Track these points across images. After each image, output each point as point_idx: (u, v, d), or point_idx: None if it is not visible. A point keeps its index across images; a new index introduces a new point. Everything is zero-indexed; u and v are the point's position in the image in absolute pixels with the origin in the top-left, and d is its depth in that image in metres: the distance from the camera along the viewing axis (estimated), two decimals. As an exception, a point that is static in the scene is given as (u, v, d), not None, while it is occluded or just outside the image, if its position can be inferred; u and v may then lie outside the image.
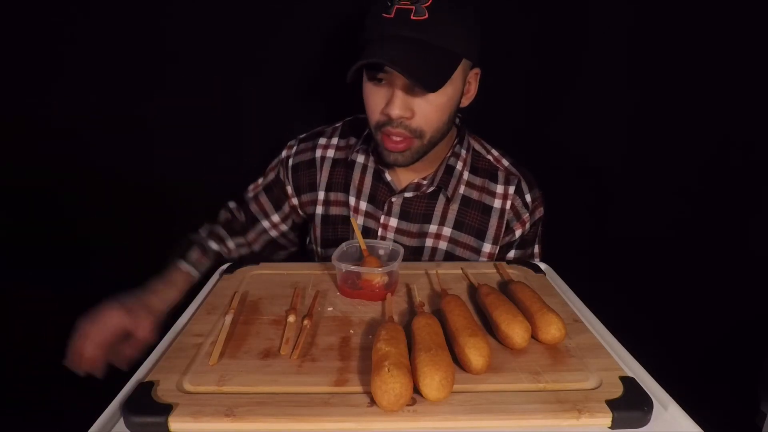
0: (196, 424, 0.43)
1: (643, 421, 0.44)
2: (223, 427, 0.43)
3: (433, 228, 0.84)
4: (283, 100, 1.03)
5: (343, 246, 0.72)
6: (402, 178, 0.85)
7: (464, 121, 0.88)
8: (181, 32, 0.97)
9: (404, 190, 0.84)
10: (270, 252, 0.95)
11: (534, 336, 0.54)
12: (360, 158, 0.87)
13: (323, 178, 0.88)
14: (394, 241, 0.85)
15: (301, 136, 0.92)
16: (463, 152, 0.85)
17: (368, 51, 0.67)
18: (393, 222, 0.85)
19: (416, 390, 0.44)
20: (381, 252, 0.75)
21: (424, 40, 0.67)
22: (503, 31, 0.90)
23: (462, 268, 0.73)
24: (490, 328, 0.57)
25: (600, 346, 0.54)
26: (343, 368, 0.50)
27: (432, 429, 0.43)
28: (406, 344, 0.49)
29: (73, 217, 1.07)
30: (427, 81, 0.66)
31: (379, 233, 0.85)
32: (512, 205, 0.84)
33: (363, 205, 0.86)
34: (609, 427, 0.44)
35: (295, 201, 0.90)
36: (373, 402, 0.44)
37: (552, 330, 0.53)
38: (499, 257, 0.85)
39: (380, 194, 0.85)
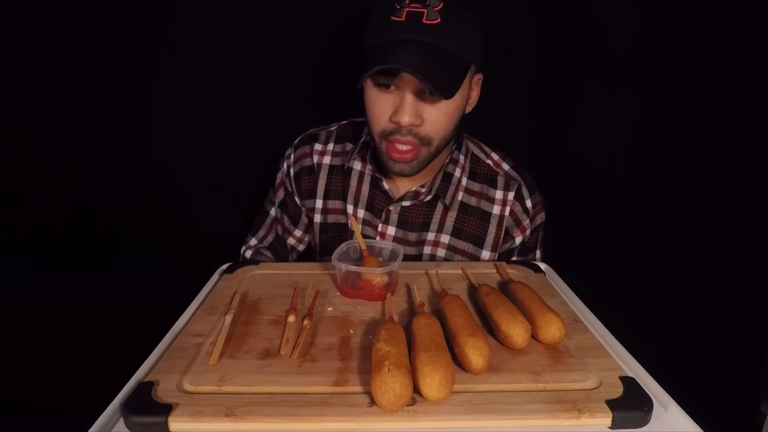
0: (196, 424, 0.43)
1: (643, 421, 0.44)
2: (223, 427, 0.43)
3: (431, 236, 0.83)
4: (284, 101, 1.03)
5: (343, 246, 0.72)
6: (400, 186, 0.84)
7: (462, 125, 0.88)
8: (183, 34, 0.97)
9: (402, 198, 0.82)
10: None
11: (534, 336, 0.54)
12: (357, 165, 0.85)
13: (321, 185, 0.87)
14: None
15: (294, 142, 0.90)
16: (462, 158, 0.84)
17: (381, 56, 0.64)
18: (391, 230, 0.84)
19: (416, 390, 0.44)
20: (381, 252, 0.74)
21: (437, 45, 0.65)
22: (505, 32, 0.90)
23: (462, 268, 0.73)
24: (490, 328, 0.57)
25: (600, 346, 0.54)
26: (343, 368, 0.50)
27: (432, 429, 0.43)
28: (406, 344, 0.49)
29: (74, 217, 1.08)
30: (444, 87, 0.65)
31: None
32: (512, 211, 0.83)
33: (361, 213, 0.85)
34: (609, 427, 0.44)
35: (304, 208, 0.90)
36: (373, 402, 0.44)
37: (552, 330, 0.53)
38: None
39: (378, 202, 0.84)
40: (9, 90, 0.98)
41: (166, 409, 0.43)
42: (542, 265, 0.78)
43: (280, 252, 0.93)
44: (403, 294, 0.67)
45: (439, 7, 0.65)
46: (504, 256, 0.86)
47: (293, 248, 0.94)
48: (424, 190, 0.82)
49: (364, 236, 0.84)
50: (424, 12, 0.65)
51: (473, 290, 0.66)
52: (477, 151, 0.86)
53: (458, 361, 0.49)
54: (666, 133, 1.06)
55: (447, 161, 0.82)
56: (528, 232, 0.85)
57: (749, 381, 1.15)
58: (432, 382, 0.43)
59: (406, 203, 0.83)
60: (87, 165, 1.04)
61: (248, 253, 0.91)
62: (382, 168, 0.80)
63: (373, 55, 0.66)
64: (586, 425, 0.43)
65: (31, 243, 1.08)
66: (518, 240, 0.84)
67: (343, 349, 0.54)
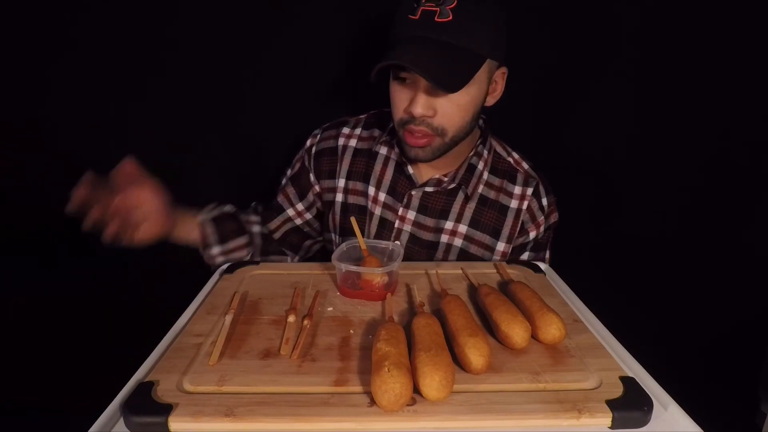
0: (196, 424, 0.43)
1: (643, 421, 0.44)
2: (223, 427, 0.43)
3: (449, 224, 0.85)
4: (289, 101, 1.03)
5: (343, 246, 0.72)
6: (423, 173, 0.86)
7: (487, 121, 0.89)
8: (186, 32, 0.97)
9: (425, 184, 0.85)
10: (297, 242, 0.95)
11: (534, 336, 0.54)
12: (383, 150, 0.88)
13: (344, 166, 0.89)
14: (411, 234, 0.86)
15: (325, 125, 0.93)
16: (485, 153, 0.86)
17: (392, 52, 0.69)
18: (411, 215, 0.86)
19: (416, 390, 0.44)
20: (381, 252, 0.74)
21: (447, 42, 0.68)
22: (510, 33, 0.90)
23: (462, 268, 0.73)
24: (490, 328, 0.57)
25: (600, 346, 0.54)
26: (343, 368, 0.50)
27: (432, 429, 0.43)
28: (406, 344, 0.49)
29: (74, 217, 1.07)
30: (445, 82, 0.67)
31: (396, 225, 0.86)
32: (528, 206, 0.86)
33: (382, 197, 0.87)
34: (609, 427, 0.44)
35: (317, 188, 0.91)
36: (373, 402, 0.44)
37: (552, 330, 0.53)
38: (512, 258, 0.86)
39: (400, 186, 0.86)
40: (9, 90, 0.98)
41: (166, 409, 0.43)
42: (542, 265, 0.78)
43: (268, 215, 0.95)
44: (403, 294, 0.67)
45: (453, 5, 0.68)
46: (517, 250, 0.88)
47: (290, 219, 0.94)
48: (447, 178, 0.85)
49: (384, 219, 0.86)
50: (437, 10, 0.68)
51: (473, 290, 0.66)
52: (499, 149, 0.90)
53: (458, 361, 0.49)
54: (666, 133, 1.06)
55: (471, 153, 0.85)
56: (542, 228, 0.87)
57: (749, 381, 1.15)
58: (432, 382, 0.43)
59: (428, 189, 0.85)
60: (87, 165, 1.03)
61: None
62: (401, 147, 0.83)
63: (387, 51, 0.70)
64: (586, 425, 0.43)
65: (31, 243, 1.08)
66: (532, 235, 0.87)
67: (343, 349, 0.54)
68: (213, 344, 0.53)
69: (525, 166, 0.89)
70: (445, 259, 0.86)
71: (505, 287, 0.65)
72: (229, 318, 0.58)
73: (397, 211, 0.86)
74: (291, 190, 0.93)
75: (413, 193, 0.85)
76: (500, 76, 0.79)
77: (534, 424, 0.43)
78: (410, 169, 0.84)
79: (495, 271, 0.75)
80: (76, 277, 1.10)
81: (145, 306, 1.01)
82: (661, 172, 1.08)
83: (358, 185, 0.88)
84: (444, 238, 0.85)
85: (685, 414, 0.47)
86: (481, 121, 0.87)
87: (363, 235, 0.84)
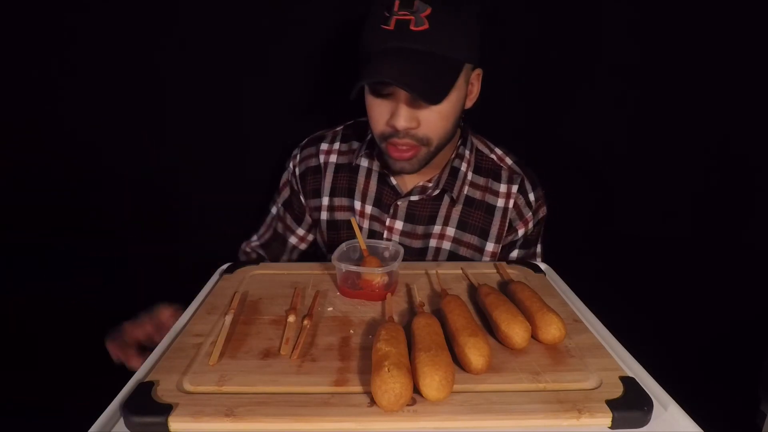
0: (196, 424, 0.43)
1: (643, 421, 0.44)
2: (223, 427, 0.43)
3: (437, 229, 0.84)
4: (289, 102, 1.02)
5: (343, 246, 0.72)
6: (407, 181, 0.85)
7: (466, 120, 0.88)
8: (186, 34, 0.97)
9: (410, 193, 0.84)
10: (299, 258, 0.97)
11: (534, 336, 0.54)
12: (364, 162, 0.87)
13: (327, 183, 0.88)
14: (400, 243, 0.85)
15: (302, 143, 0.92)
16: (467, 153, 0.86)
17: (370, 68, 0.67)
18: (398, 225, 0.85)
19: (416, 390, 0.44)
20: (382, 252, 0.74)
21: (425, 51, 0.66)
22: (504, 29, 0.90)
23: (462, 268, 0.73)
24: (490, 328, 0.57)
25: (600, 346, 0.54)
26: (343, 368, 0.50)
27: (432, 429, 0.43)
28: (406, 344, 0.49)
29: (74, 217, 1.07)
30: (431, 94, 0.66)
31: (385, 236, 0.85)
32: (515, 203, 0.85)
33: (368, 209, 0.86)
34: (609, 427, 0.44)
35: (307, 207, 0.91)
36: (373, 402, 0.44)
37: (552, 330, 0.53)
38: (502, 256, 0.86)
39: (386, 197, 0.85)
40: (9, 90, 0.98)
41: (166, 409, 0.43)
42: (542, 265, 0.78)
43: (275, 249, 0.95)
44: (403, 294, 0.67)
45: (427, 12, 0.66)
46: (507, 248, 0.87)
47: (295, 248, 0.95)
48: (431, 185, 0.84)
49: (372, 231, 0.86)
50: (411, 19, 0.66)
51: (473, 290, 0.66)
52: (481, 147, 0.89)
53: (458, 361, 0.49)
54: (666, 132, 1.06)
55: (453, 156, 0.84)
56: (531, 225, 0.86)
57: (749, 381, 1.15)
58: (432, 382, 0.43)
59: (414, 198, 0.84)
60: (87, 165, 1.04)
61: (243, 249, 0.97)
62: (383, 160, 0.82)
63: (364, 65, 0.69)
64: (586, 425, 0.43)
65: (31, 243, 1.08)
66: (521, 232, 0.86)
67: (343, 349, 0.54)
68: (213, 344, 0.53)
69: (508, 161, 0.87)
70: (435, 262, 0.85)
71: (505, 287, 0.65)
72: (229, 318, 0.58)
73: (385, 222, 0.85)
74: (288, 218, 0.93)
75: (399, 203, 0.84)
76: (476, 78, 0.78)
77: (534, 424, 0.43)
78: (393, 180, 0.84)
79: (495, 271, 0.75)
80: (76, 277, 1.10)
81: (145, 306, 1.00)
82: (662, 172, 1.08)
83: (344, 201, 0.87)
84: (432, 242, 0.85)
85: (685, 414, 0.47)
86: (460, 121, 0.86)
87: None
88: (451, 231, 0.84)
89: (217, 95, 1.01)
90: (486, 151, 0.88)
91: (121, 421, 0.44)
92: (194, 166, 1.04)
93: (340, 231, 0.88)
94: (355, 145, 0.88)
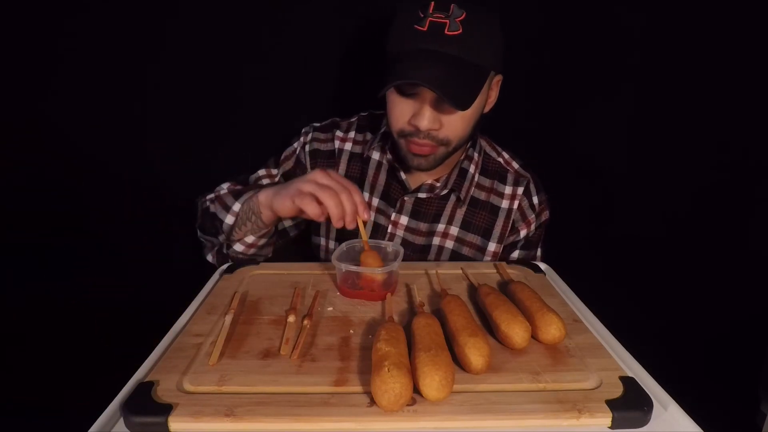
0: (196, 424, 0.43)
1: (643, 421, 0.44)
2: (223, 427, 0.43)
3: (440, 227, 0.85)
4: (288, 101, 1.03)
5: (343, 246, 0.72)
6: (416, 177, 0.86)
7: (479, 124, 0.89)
8: (183, 34, 0.97)
9: (417, 189, 0.84)
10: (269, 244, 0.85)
11: (534, 336, 0.54)
12: (375, 155, 0.87)
13: (341, 171, 0.88)
14: (403, 239, 0.86)
15: (315, 124, 0.91)
16: (476, 155, 0.87)
17: (401, 68, 0.67)
18: (404, 220, 0.85)
19: (416, 390, 0.44)
20: (382, 252, 0.74)
21: (457, 57, 0.67)
22: (506, 32, 0.90)
23: (462, 268, 0.73)
24: (490, 328, 0.57)
25: (600, 346, 0.54)
26: (343, 368, 0.50)
27: (432, 429, 0.43)
28: (406, 344, 0.49)
29: (74, 217, 1.07)
30: (460, 100, 0.67)
31: (389, 230, 0.86)
32: (519, 205, 0.86)
33: (375, 202, 0.86)
34: (609, 427, 0.44)
35: None
36: (373, 402, 0.44)
37: (552, 330, 0.53)
38: (503, 257, 0.86)
39: (393, 192, 0.86)
40: (9, 90, 0.98)
41: (166, 409, 0.43)
42: (542, 265, 0.78)
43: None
44: (403, 294, 0.67)
45: (462, 17, 0.66)
46: (508, 249, 0.88)
47: (285, 232, 0.90)
48: (439, 184, 0.84)
49: (377, 224, 0.87)
50: (446, 23, 0.66)
51: (473, 290, 0.66)
52: (489, 149, 0.90)
53: (458, 361, 0.49)
54: (666, 134, 1.06)
55: (462, 157, 0.85)
56: (533, 227, 0.87)
57: (749, 381, 1.15)
58: (432, 382, 0.43)
59: (421, 195, 0.85)
60: (87, 165, 1.04)
61: (213, 195, 0.84)
62: (400, 159, 0.82)
63: (395, 64, 0.69)
64: (586, 425, 0.43)
65: (31, 243, 1.08)
66: (522, 233, 0.87)
67: (343, 349, 0.54)
68: (213, 344, 0.53)
69: (515, 165, 0.88)
70: (437, 261, 0.86)
71: (505, 287, 0.65)
72: (229, 318, 0.58)
73: (390, 216, 0.86)
74: None
75: (406, 198, 0.85)
76: (496, 84, 0.79)
77: (534, 424, 0.43)
78: (402, 175, 0.84)
79: (495, 271, 0.75)
80: (76, 277, 1.10)
81: (145, 306, 1.00)
82: (662, 172, 1.08)
83: None
84: (435, 240, 0.85)
85: (685, 414, 0.47)
86: None
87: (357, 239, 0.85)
88: (454, 230, 0.85)
89: (216, 96, 1.01)
90: (493, 154, 0.89)
91: (121, 421, 0.44)
92: (194, 166, 1.04)
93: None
94: (369, 136, 0.88)
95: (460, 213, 0.85)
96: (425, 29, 0.67)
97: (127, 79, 0.99)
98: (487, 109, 0.80)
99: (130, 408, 0.44)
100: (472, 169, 0.85)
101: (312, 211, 0.63)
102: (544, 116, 1.06)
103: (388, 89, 0.69)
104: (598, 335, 0.57)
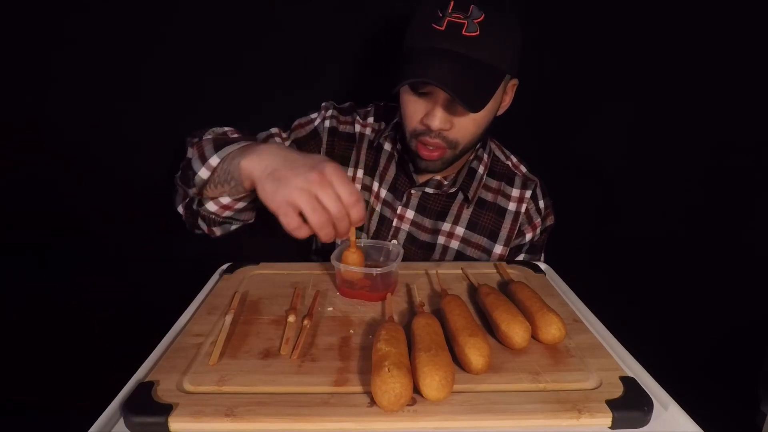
0: (196, 424, 0.43)
1: (643, 421, 0.44)
2: (223, 427, 0.43)
3: (446, 226, 0.85)
4: (287, 100, 1.03)
5: (343, 246, 0.72)
6: (425, 172, 0.86)
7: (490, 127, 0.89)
8: (183, 32, 0.97)
9: (425, 184, 0.84)
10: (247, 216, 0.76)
11: (534, 336, 0.54)
12: (387, 145, 0.87)
13: (362, 157, 0.87)
14: (408, 233, 0.86)
15: (335, 104, 0.89)
16: (485, 156, 0.87)
17: (416, 66, 0.67)
18: (410, 214, 0.85)
19: (416, 390, 0.44)
20: (383, 252, 0.74)
21: (473, 58, 0.67)
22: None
23: (462, 268, 0.73)
24: (490, 328, 0.57)
25: (600, 346, 0.54)
26: (343, 368, 0.50)
27: (432, 429, 0.43)
28: (406, 344, 0.49)
29: (74, 217, 1.07)
30: (472, 102, 0.66)
31: (395, 223, 0.86)
32: (526, 209, 0.86)
33: (383, 193, 0.87)
34: (609, 427, 0.44)
35: None
36: (373, 402, 0.44)
37: (552, 330, 0.53)
38: (508, 261, 0.86)
39: (401, 184, 0.86)
40: (9, 90, 0.98)
41: (166, 409, 0.43)
42: (542, 265, 0.78)
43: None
44: (403, 294, 0.67)
45: (481, 18, 0.66)
46: (513, 252, 0.88)
47: None
48: (446, 182, 0.84)
49: (383, 217, 0.86)
50: (464, 23, 0.66)
51: (473, 290, 0.66)
52: (498, 152, 0.90)
53: (458, 361, 0.49)
54: (666, 135, 1.06)
55: (472, 157, 0.85)
56: (538, 231, 0.87)
57: (749, 381, 1.15)
58: (432, 382, 0.43)
59: (429, 190, 0.85)
60: (87, 165, 1.04)
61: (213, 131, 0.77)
62: (409, 153, 0.82)
63: (410, 62, 0.68)
64: (586, 425, 0.43)
65: (31, 243, 1.08)
66: (528, 237, 0.87)
67: (343, 349, 0.54)
68: (213, 344, 0.53)
69: (523, 169, 0.89)
70: (441, 260, 0.86)
71: (505, 287, 0.65)
72: (229, 318, 0.58)
73: (396, 209, 0.86)
74: None
75: (413, 192, 0.85)
76: (511, 88, 0.78)
77: (534, 424, 0.43)
78: (411, 168, 0.84)
79: (495, 271, 0.75)
80: (76, 277, 1.10)
81: (145, 306, 1.01)
82: (662, 173, 1.08)
83: (366, 179, 0.88)
84: (441, 239, 0.85)
85: (685, 414, 0.47)
86: None
87: (362, 230, 0.86)
88: (460, 231, 0.85)
89: (216, 95, 1.01)
90: (502, 157, 0.89)
91: (121, 421, 0.44)
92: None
93: None
94: (383, 125, 0.88)
95: (466, 213, 0.85)
96: (443, 29, 0.67)
97: (127, 79, 0.99)
98: (500, 112, 0.80)
99: (130, 408, 0.44)
100: (480, 169, 0.85)
101: (296, 235, 0.54)
102: (544, 117, 1.06)
103: (401, 86, 0.68)
104: (598, 335, 0.57)
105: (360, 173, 0.87)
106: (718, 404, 0.88)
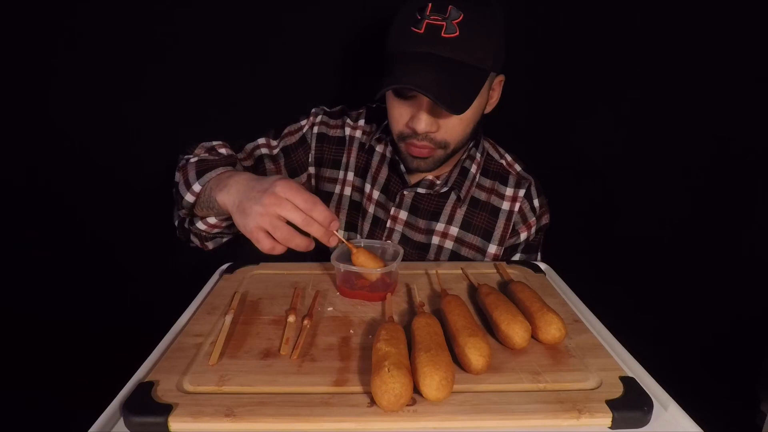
0: (196, 424, 0.43)
1: (643, 421, 0.44)
2: (223, 427, 0.43)
3: (440, 226, 0.85)
4: (285, 101, 1.03)
5: (343, 246, 0.72)
6: (417, 173, 0.86)
7: (479, 125, 0.89)
8: (185, 33, 0.97)
9: (417, 184, 0.84)
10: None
11: (534, 336, 0.54)
12: (379, 147, 0.87)
13: (352, 159, 0.88)
14: (402, 234, 0.86)
15: (325, 108, 0.90)
16: (478, 155, 0.86)
17: (397, 71, 0.67)
18: (402, 215, 0.86)
19: (416, 390, 0.44)
20: (383, 252, 0.74)
21: (454, 60, 0.66)
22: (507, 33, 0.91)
23: (462, 268, 0.73)
24: (490, 328, 0.57)
25: (600, 346, 0.54)
26: (343, 368, 0.50)
27: (432, 429, 0.43)
28: (406, 344, 0.49)
29: (75, 217, 1.08)
30: (455, 105, 0.66)
31: (388, 224, 0.86)
32: (520, 208, 0.85)
33: (376, 195, 0.87)
34: (609, 427, 0.44)
35: (312, 170, 0.89)
36: (373, 402, 0.44)
37: (552, 330, 0.53)
38: (503, 260, 0.86)
39: (393, 186, 0.86)
40: (9, 90, 0.98)
41: (166, 409, 0.43)
42: (542, 265, 0.78)
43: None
44: (403, 294, 0.67)
45: (459, 19, 0.66)
46: (508, 252, 0.88)
47: None
48: (439, 181, 0.84)
49: (376, 218, 0.87)
50: (443, 25, 0.66)
51: (473, 290, 0.66)
52: (492, 151, 0.90)
53: (458, 361, 0.49)
54: (666, 134, 1.06)
55: (464, 156, 0.85)
56: (533, 230, 0.87)
57: (749, 381, 1.15)
58: (432, 382, 0.43)
59: (421, 190, 0.85)
60: (87, 166, 1.04)
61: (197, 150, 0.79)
62: (400, 155, 0.82)
63: (392, 67, 0.68)
64: (586, 425, 0.43)
65: (30, 243, 1.08)
66: (523, 236, 0.86)
67: (343, 349, 0.54)
68: (213, 344, 0.53)
69: (517, 167, 0.88)
70: (436, 261, 0.85)
71: (505, 287, 0.65)
72: (229, 318, 0.58)
73: (389, 210, 0.86)
74: (282, 165, 0.86)
75: (405, 193, 0.85)
76: (498, 84, 0.78)
77: (534, 424, 0.43)
78: (403, 169, 0.84)
79: (495, 271, 0.75)
80: (76, 277, 1.10)
81: (145, 306, 1.01)
82: (662, 173, 1.08)
83: (357, 180, 0.88)
84: (435, 240, 0.85)
85: (685, 414, 0.47)
86: None
87: (356, 233, 0.87)
88: (454, 230, 0.85)
89: (217, 96, 1.02)
90: (496, 156, 0.89)
91: (121, 421, 0.44)
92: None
93: (350, 210, 0.88)
94: (375, 127, 0.88)
95: (460, 213, 0.85)
96: (422, 31, 0.66)
97: (128, 80, 0.99)
98: (488, 110, 0.80)
99: (130, 408, 0.44)
100: (473, 168, 0.85)
101: (264, 247, 0.57)
102: (544, 117, 1.06)
103: (382, 93, 0.69)
104: (598, 335, 0.57)
105: (350, 176, 0.88)
106: (718, 404, 0.88)
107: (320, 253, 0.92)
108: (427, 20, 0.66)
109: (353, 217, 0.88)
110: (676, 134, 1.05)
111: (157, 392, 0.46)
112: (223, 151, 0.80)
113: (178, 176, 0.74)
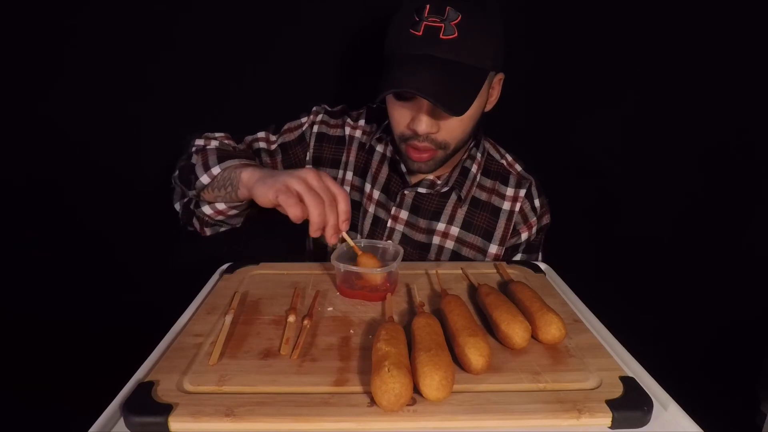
0: (196, 424, 0.43)
1: (643, 421, 0.44)
2: (223, 427, 0.43)
3: (441, 226, 0.85)
4: (286, 101, 1.03)
5: (343, 246, 0.72)
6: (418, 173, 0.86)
7: (480, 124, 0.89)
8: (186, 33, 0.97)
9: (418, 184, 0.85)
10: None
11: (534, 336, 0.54)
12: (379, 147, 0.87)
13: (351, 159, 0.88)
14: (403, 234, 0.86)
15: (326, 106, 0.90)
16: (479, 155, 0.87)
17: (396, 74, 0.67)
18: (403, 215, 0.86)
19: (416, 390, 0.44)
20: (383, 252, 0.74)
21: (453, 61, 0.66)
22: (505, 30, 0.91)
23: (462, 268, 0.73)
24: (490, 328, 0.57)
25: (600, 346, 0.54)
26: (343, 368, 0.50)
27: (432, 429, 0.43)
28: (406, 344, 0.49)
29: (75, 217, 1.08)
30: (454, 106, 0.66)
31: (389, 224, 0.86)
32: (521, 208, 0.85)
33: (376, 194, 0.87)
34: (609, 427, 0.44)
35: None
36: (373, 402, 0.44)
37: (552, 330, 0.53)
38: (504, 260, 0.86)
39: (393, 185, 0.86)
40: (9, 90, 0.98)
41: (166, 409, 0.43)
42: (542, 265, 0.78)
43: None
44: (403, 294, 0.67)
45: (458, 20, 0.66)
46: (509, 252, 0.88)
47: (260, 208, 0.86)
48: (440, 181, 0.85)
49: (377, 218, 0.87)
50: (441, 27, 0.66)
51: (473, 290, 0.66)
52: (492, 151, 0.90)
53: (458, 361, 0.49)
54: (664, 132, 1.06)
55: (465, 156, 0.85)
56: (534, 230, 0.87)
57: (749, 381, 1.15)
58: (432, 382, 0.43)
59: (422, 190, 0.85)
60: (87, 165, 1.04)
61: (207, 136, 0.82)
62: (401, 154, 0.82)
63: (391, 70, 0.68)
64: (586, 425, 0.43)
65: (30, 243, 1.08)
66: (524, 236, 0.86)
67: (343, 349, 0.54)
68: (213, 344, 0.53)
69: (518, 167, 0.88)
70: (437, 260, 0.85)
71: (505, 287, 0.65)
72: (229, 318, 0.58)
73: (390, 210, 0.86)
74: (279, 161, 0.87)
75: (406, 192, 0.85)
76: (498, 82, 0.78)
77: (534, 424, 0.43)
78: (403, 168, 0.84)
79: (495, 271, 0.75)
80: (76, 277, 1.10)
81: (145, 306, 1.01)
82: (662, 173, 1.08)
83: (356, 180, 0.88)
84: (436, 239, 0.85)
85: (685, 414, 0.47)
86: None
87: (357, 233, 0.86)
88: (455, 230, 0.85)
89: (217, 96, 1.02)
90: (497, 156, 0.89)
91: (121, 421, 0.44)
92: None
93: (354, 210, 0.87)
94: (375, 127, 0.88)
95: (461, 213, 0.85)
96: (420, 33, 0.66)
97: (128, 79, 0.99)
98: (488, 108, 0.80)
99: (130, 408, 0.44)
100: (474, 168, 0.85)
101: (293, 213, 0.57)
102: (543, 116, 1.06)
103: (382, 97, 0.69)
104: (598, 335, 0.57)
105: (349, 175, 0.88)
106: (718, 404, 0.88)
107: (320, 253, 0.93)
108: (425, 22, 0.66)
109: (353, 216, 0.87)
110: (676, 134, 1.05)
111: (157, 392, 0.46)
112: (231, 143, 0.83)
113: (195, 158, 0.74)
